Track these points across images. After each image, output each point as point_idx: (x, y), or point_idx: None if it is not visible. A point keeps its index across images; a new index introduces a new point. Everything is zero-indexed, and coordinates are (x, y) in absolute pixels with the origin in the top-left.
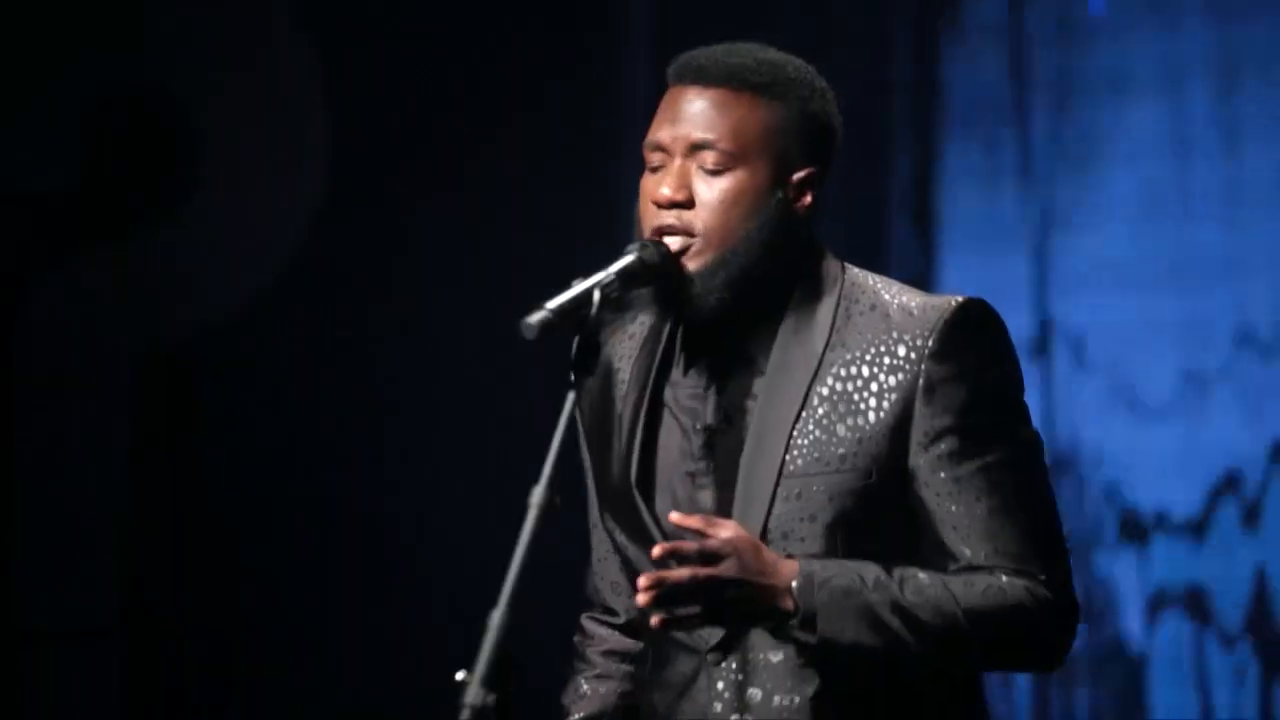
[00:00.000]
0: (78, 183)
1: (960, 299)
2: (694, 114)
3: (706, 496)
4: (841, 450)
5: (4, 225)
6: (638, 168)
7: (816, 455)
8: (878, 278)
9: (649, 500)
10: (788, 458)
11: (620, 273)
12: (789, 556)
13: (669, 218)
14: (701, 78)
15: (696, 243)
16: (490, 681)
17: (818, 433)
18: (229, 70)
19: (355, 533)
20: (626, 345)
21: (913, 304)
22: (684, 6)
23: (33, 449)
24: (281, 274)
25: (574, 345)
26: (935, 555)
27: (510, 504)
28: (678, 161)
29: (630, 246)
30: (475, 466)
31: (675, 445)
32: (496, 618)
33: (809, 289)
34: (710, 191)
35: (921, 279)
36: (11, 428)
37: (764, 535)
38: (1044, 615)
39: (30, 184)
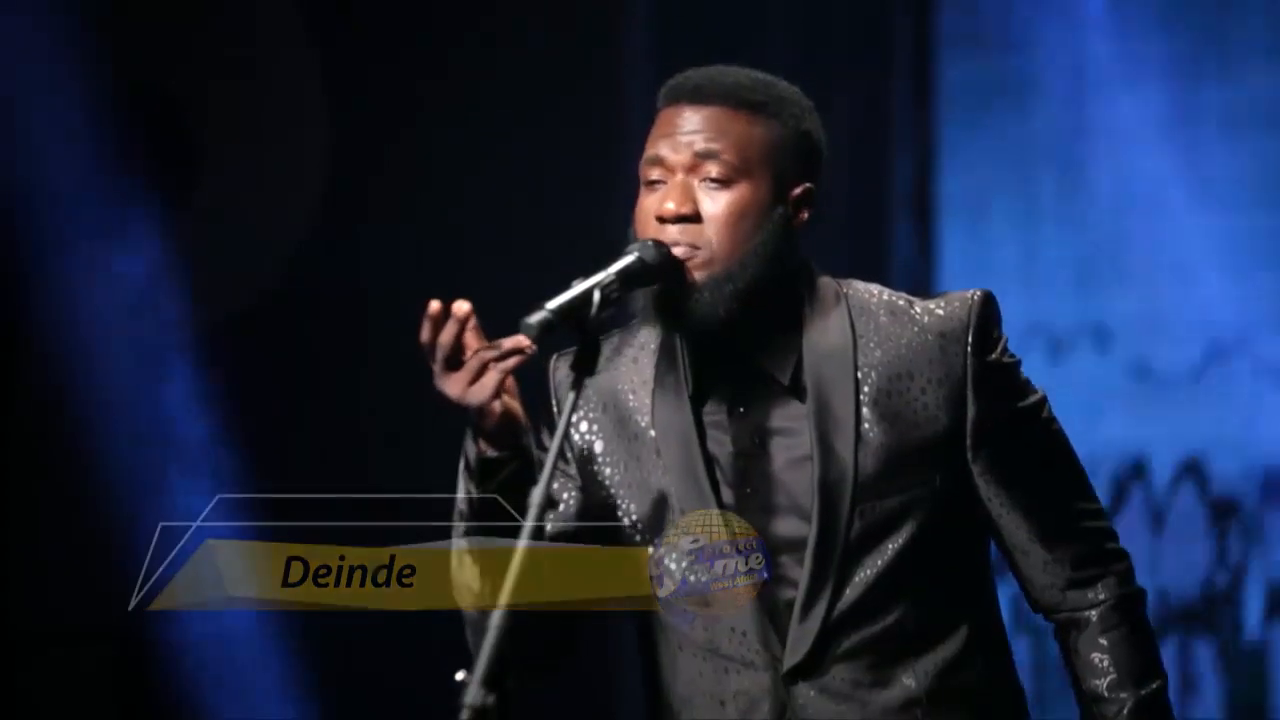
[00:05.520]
0: (78, 182)
1: (978, 292)
2: (694, 129)
3: (762, 522)
4: (907, 460)
5: (4, 225)
6: (638, 168)
7: (885, 470)
8: (874, 285)
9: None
10: (859, 476)
11: (620, 273)
12: (866, 574)
13: (674, 232)
14: (698, 97)
15: (702, 254)
16: (490, 681)
17: (879, 447)
18: (229, 71)
19: (354, 530)
20: (631, 368)
21: (932, 305)
22: (685, 9)
23: (33, 449)
24: (281, 274)
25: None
26: (1011, 531)
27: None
28: (679, 177)
29: (631, 246)
30: None
31: (715, 471)
32: (496, 618)
33: (817, 305)
34: (716, 205)
35: (921, 279)
36: (11, 428)
37: (846, 554)
38: (1136, 601)
39: (31, 183)
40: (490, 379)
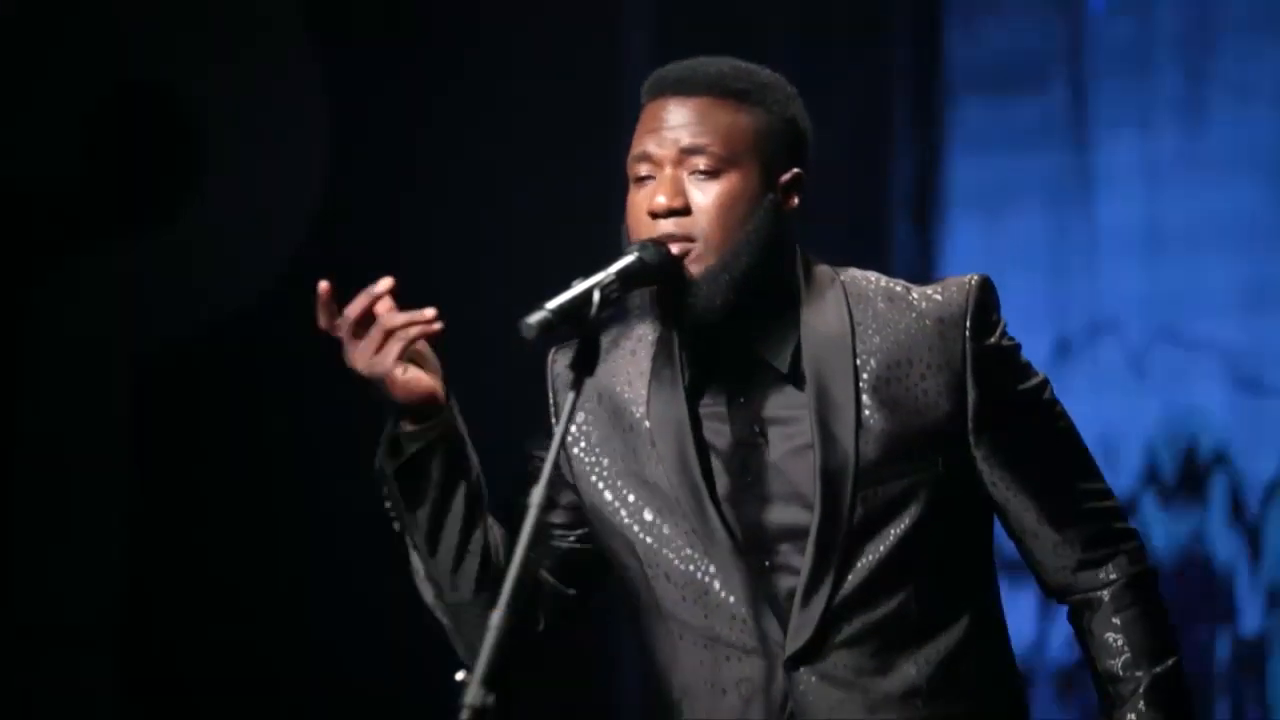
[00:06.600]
0: (78, 183)
1: (975, 277)
2: (680, 122)
3: (763, 511)
4: (909, 446)
5: (4, 225)
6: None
7: (886, 456)
8: (869, 272)
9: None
10: (860, 462)
11: (620, 273)
12: (870, 559)
13: (668, 225)
14: (682, 89)
15: (697, 247)
16: (490, 681)
17: (880, 433)
18: (229, 70)
19: (354, 532)
20: (628, 361)
21: (930, 290)
22: (685, 9)
23: (33, 449)
24: (282, 274)
25: (553, 358)
26: (1019, 515)
27: (508, 503)
28: (668, 171)
29: (630, 246)
30: None
31: (710, 461)
32: (496, 618)
33: (814, 292)
34: (706, 196)
35: (921, 279)
36: (12, 427)
37: (848, 540)
38: (1148, 579)
39: (30, 184)
40: (393, 347)
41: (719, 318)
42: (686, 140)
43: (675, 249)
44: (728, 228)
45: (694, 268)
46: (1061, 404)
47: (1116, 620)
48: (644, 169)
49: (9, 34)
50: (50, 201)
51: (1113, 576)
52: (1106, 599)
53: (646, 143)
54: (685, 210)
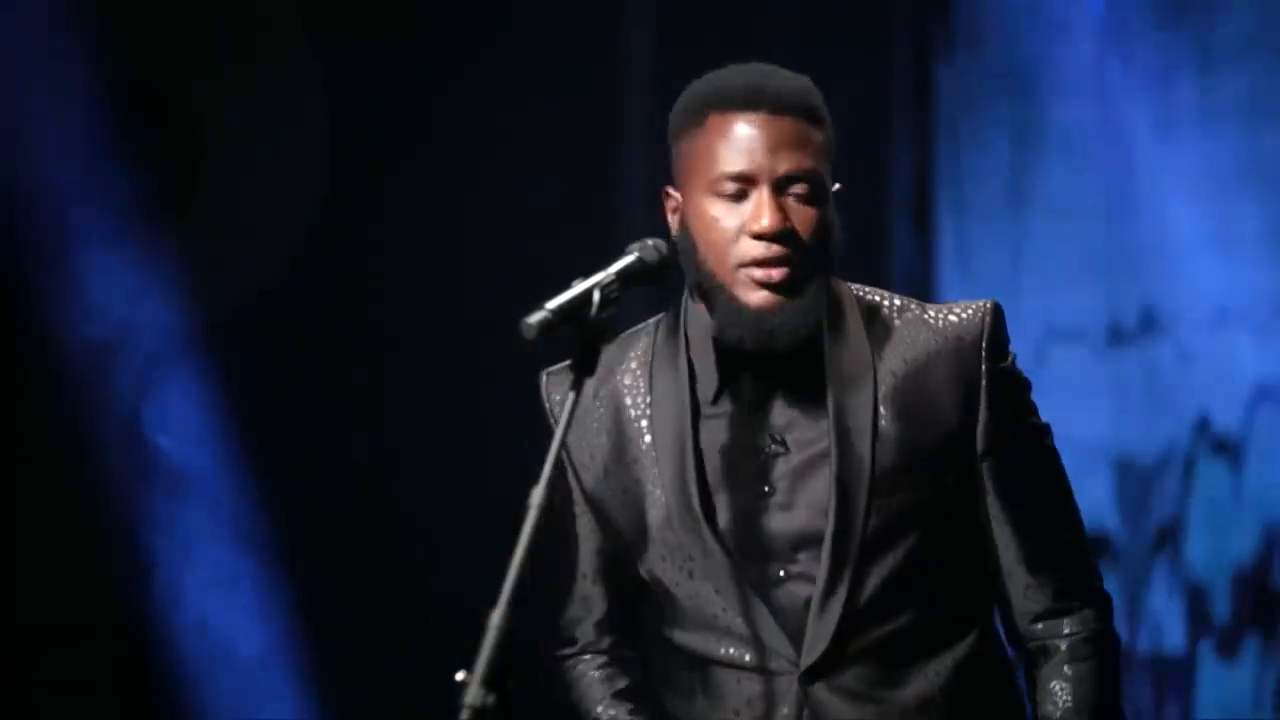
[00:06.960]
0: (78, 182)
1: (989, 302)
2: (779, 144)
3: (782, 519)
4: (923, 457)
5: (4, 225)
6: (638, 168)
7: (901, 465)
8: (881, 290)
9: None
10: (876, 470)
11: (620, 273)
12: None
13: (773, 249)
14: (776, 106)
15: (794, 272)
16: (490, 681)
17: (896, 442)
18: (229, 70)
19: (353, 531)
20: (631, 377)
21: (944, 310)
22: (685, 9)
23: (33, 448)
24: (282, 274)
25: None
26: (1001, 547)
27: (508, 504)
28: (766, 192)
29: (630, 246)
30: (473, 466)
31: (723, 472)
32: (496, 618)
33: (833, 305)
34: (807, 223)
35: (921, 279)
36: (12, 427)
37: (862, 549)
38: (1109, 641)
39: (31, 183)
40: None
41: (809, 338)
42: (790, 166)
43: (778, 275)
44: (822, 252)
45: (792, 291)
46: (1059, 454)
47: (1068, 670)
48: (735, 187)
49: (9, 34)
50: (50, 201)
51: (1074, 630)
52: (1063, 648)
53: (743, 162)
54: (791, 235)
